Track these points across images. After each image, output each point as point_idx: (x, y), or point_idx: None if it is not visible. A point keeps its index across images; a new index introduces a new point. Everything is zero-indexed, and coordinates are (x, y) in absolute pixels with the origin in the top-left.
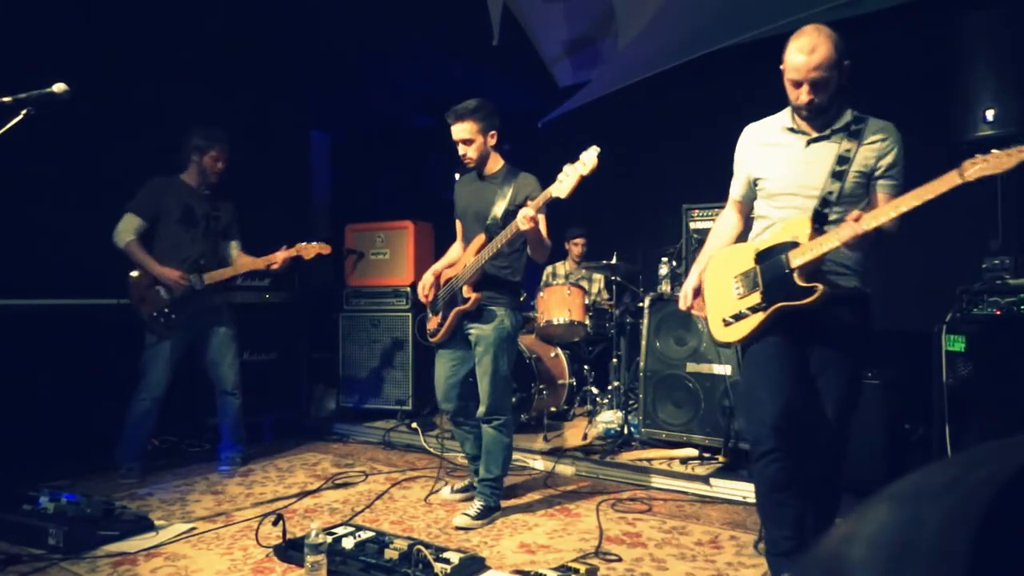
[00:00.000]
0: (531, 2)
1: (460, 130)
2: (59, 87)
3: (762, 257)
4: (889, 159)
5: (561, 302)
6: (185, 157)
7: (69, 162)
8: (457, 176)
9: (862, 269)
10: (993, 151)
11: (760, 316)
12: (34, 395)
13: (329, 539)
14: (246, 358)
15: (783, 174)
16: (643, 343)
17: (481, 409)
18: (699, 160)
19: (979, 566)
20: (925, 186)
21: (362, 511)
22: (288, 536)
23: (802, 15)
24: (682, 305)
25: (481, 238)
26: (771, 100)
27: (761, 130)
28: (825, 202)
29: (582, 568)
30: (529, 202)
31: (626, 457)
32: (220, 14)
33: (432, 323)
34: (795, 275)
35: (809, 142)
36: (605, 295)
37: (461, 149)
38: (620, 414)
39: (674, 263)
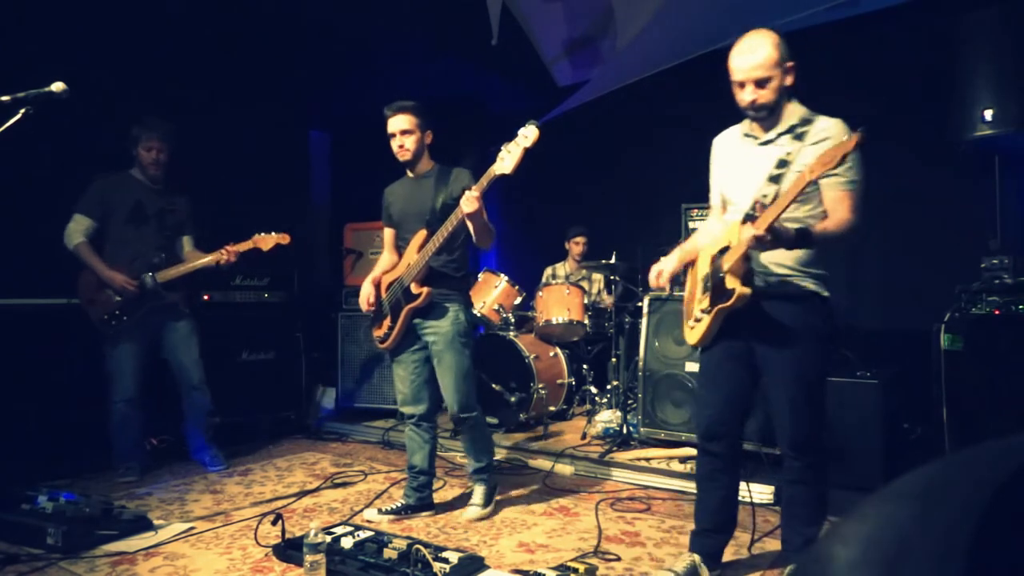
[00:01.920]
0: (530, 2)
1: (399, 121)
2: (58, 86)
3: (713, 262)
4: None
5: (560, 302)
6: (129, 151)
7: (65, 163)
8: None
9: (814, 272)
10: None
11: (707, 319)
12: (33, 394)
13: (328, 538)
14: (245, 358)
15: (735, 180)
16: (642, 342)
17: (453, 409)
18: (698, 159)
19: (978, 566)
20: (795, 181)
21: (361, 511)
22: (287, 535)
23: (802, 15)
24: (652, 280)
25: (422, 234)
26: None
27: (724, 139)
28: (759, 206)
29: (581, 567)
30: (472, 188)
31: (625, 456)
32: (220, 14)
33: (381, 329)
34: (725, 278)
35: (758, 146)
36: (605, 295)
37: (399, 140)
38: (619, 413)
39: None
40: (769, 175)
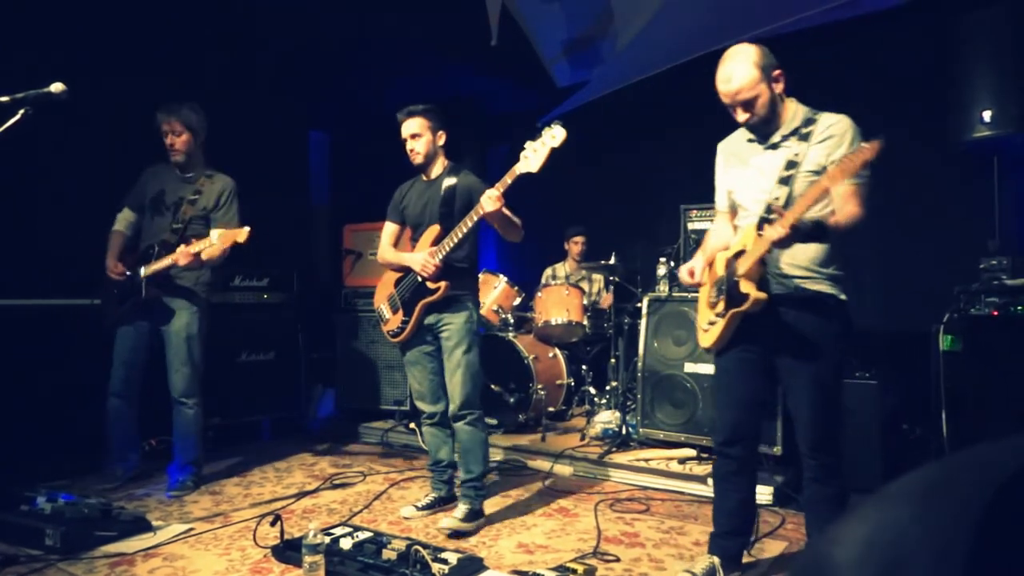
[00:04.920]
0: (530, 2)
1: (410, 126)
2: (57, 87)
3: (728, 265)
4: (841, 152)
5: (559, 302)
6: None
7: (64, 163)
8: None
9: (829, 272)
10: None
11: (722, 323)
12: (33, 395)
13: (327, 539)
14: (244, 358)
15: (744, 184)
16: (641, 343)
17: (453, 406)
18: (697, 160)
19: (978, 566)
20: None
21: (360, 511)
22: (286, 536)
23: (802, 15)
24: (686, 278)
25: (435, 230)
26: None
27: (730, 143)
28: (770, 209)
29: (580, 568)
30: (488, 191)
31: (624, 457)
32: (220, 14)
33: (393, 322)
34: (740, 282)
35: (765, 150)
36: (605, 295)
37: (410, 144)
38: (618, 414)
39: (672, 263)
40: (779, 177)
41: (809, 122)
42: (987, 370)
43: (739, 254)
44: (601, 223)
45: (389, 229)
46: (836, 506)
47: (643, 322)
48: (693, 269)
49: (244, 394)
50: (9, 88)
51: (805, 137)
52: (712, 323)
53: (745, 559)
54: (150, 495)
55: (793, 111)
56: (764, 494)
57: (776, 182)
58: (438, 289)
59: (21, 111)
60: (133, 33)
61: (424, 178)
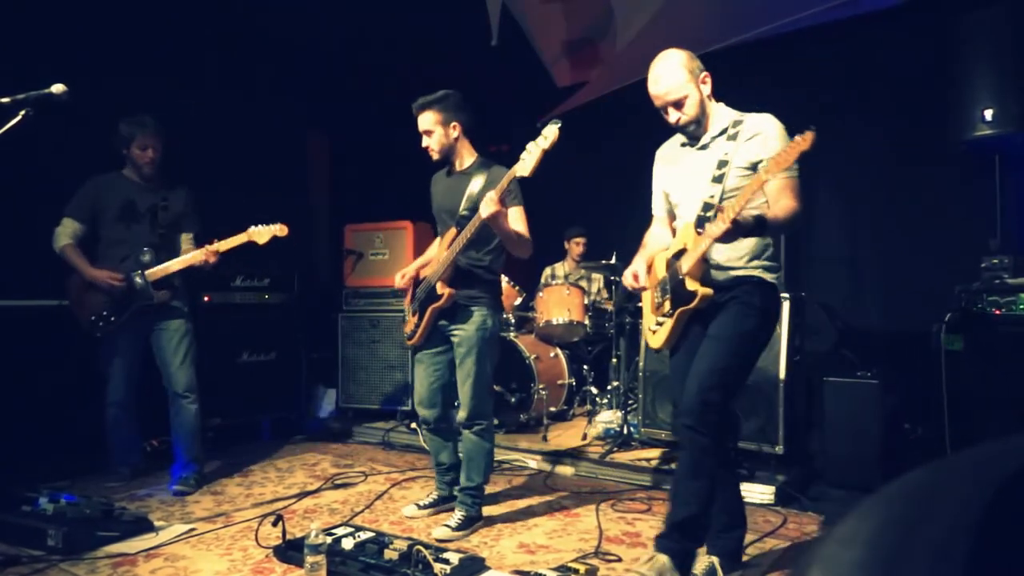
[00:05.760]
0: (530, 2)
1: (421, 120)
2: (57, 88)
3: (669, 266)
4: (771, 147)
5: (560, 302)
6: (117, 152)
7: (64, 163)
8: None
9: (766, 263)
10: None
11: (670, 322)
12: (33, 395)
13: (329, 540)
14: (245, 359)
15: (678, 185)
16: (642, 343)
17: (462, 414)
18: None
19: (978, 566)
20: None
21: (362, 511)
22: (288, 537)
23: (802, 15)
24: (631, 282)
25: (452, 232)
26: (770, 99)
27: (666, 148)
28: (707, 206)
29: (582, 568)
30: (487, 194)
31: (625, 457)
32: (220, 14)
33: (409, 325)
34: (686, 280)
35: (696, 151)
36: (605, 295)
37: (423, 141)
38: (619, 414)
39: None
40: (712, 176)
41: (736, 123)
42: (989, 369)
43: (679, 253)
44: (601, 223)
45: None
46: (703, 462)
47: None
48: (636, 273)
49: (245, 394)
50: (9, 89)
51: (733, 137)
52: (660, 323)
53: (745, 557)
54: (152, 495)
55: (719, 113)
56: (766, 493)
57: (709, 181)
58: (443, 296)
59: (22, 112)
60: (133, 33)
61: (452, 168)
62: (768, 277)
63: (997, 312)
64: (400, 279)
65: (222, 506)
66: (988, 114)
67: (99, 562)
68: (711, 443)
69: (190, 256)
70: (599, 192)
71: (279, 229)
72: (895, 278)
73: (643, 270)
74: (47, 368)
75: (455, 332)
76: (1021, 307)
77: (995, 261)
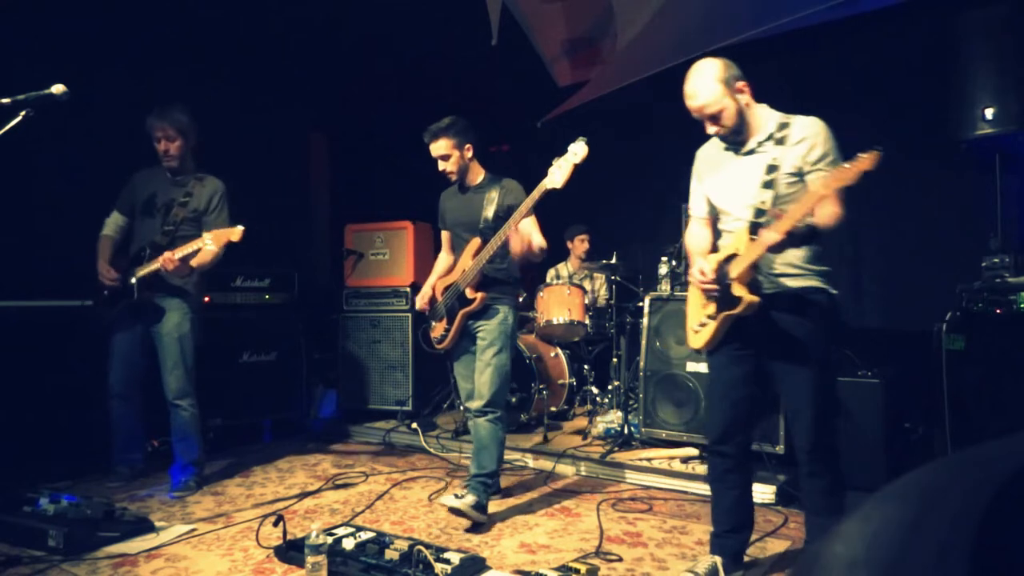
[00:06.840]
0: (530, 2)
1: (436, 148)
2: (58, 88)
3: (720, 268)
4: (817, 153)
5: (561, 302)
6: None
7: (64, 163)
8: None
9: (818, 269)
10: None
11: (714, 324)
12: (34, 396)
13: (329, 540)
14: (246, 359)
15: (724, 191)
16: (643, 343)
17: (478, 403)
18: None
19: (978, 566)
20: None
21: (362, 512)
22: (288, 537)
23: (802, 15)
24: (699, 277)
25: (476, 242)
26: (770, 99)
27: (708, 150)
28: (759, 212)
29: (583, 568)
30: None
31: (626, 457)
32: (220, 13)
33: (437, 330)
34: (732, 286)
35: (742, 156)
36: (606, 295)
37: (440, 165)
38: (620, 414)
39: (674, 263)
40: (762, 182)
41: (783, 127)
42: (990, 368)
43: (730, 258)
44: (602, 223)
45: (444, 236)
46: (832, 497)
47: (645, 321)
48: (703, 269)
49: (246, 395)
50: (9, 89)
51: (781, 141)
52: (703, 324)
53: (747, 558)
54: (152, 496)
55: (765, 117)
56: (767, 493)
57: (759, 186)
58: (475, 300)
59: (22, 112)
60: (133, 33)
61: (465, 185)
62: (832, 290)
63: (998, 311)
64: (421, 301)
65: (223, 506)
66: (988, 113)
67: (100, 563)
68: (838, 477)
69: (155, 262)
70: (599, 192)
71: (234, 233)
72: (896, 277)
73: (709, 268)
74: (48, 369)
75: (480, 328)
76: (1022, 306)
77: (996, 260)
